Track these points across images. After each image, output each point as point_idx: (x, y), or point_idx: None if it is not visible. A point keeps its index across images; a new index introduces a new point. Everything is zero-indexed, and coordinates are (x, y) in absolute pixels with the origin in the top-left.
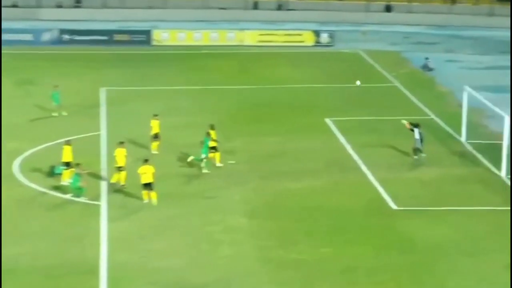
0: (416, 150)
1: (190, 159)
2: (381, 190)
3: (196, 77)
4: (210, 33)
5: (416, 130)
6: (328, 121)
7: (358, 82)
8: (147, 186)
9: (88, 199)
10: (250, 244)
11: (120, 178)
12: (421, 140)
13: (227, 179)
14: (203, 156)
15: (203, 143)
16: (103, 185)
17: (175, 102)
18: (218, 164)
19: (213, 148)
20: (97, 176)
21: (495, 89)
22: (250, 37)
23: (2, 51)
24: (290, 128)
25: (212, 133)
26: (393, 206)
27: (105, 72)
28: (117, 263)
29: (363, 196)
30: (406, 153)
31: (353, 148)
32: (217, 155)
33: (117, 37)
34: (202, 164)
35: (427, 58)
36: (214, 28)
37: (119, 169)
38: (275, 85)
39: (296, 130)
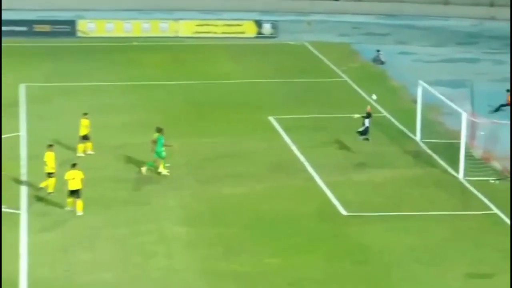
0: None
1: (144, 170)
2: (330, 194)
3: (127, 72)
4: (141, 24)
5: (367, 120)
6: (272, 119)
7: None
8: (74, 193)
9: (6, 208)
10: (188, 255)
11: (49, 184)
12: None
13: (162, 183)
14: (155, 157)
15: (154, 143)
16: (23, 192)
17: (103, 99)
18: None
19: None
20: (17, 182)
21: (452, 84)
22: (185, 28)
23: None
24: (231, 127)
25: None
26: (344, 211)
27: (25, 67)
28: (39, 278)
29: (310, 201)
30: (356, 154)
31: (299, 148)
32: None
33: (38, 27)
34: (161, 168)
35: (378, 51)
36: (146, 18)
37: (50, 175)
38: (214, 80)
39: (237, 130)
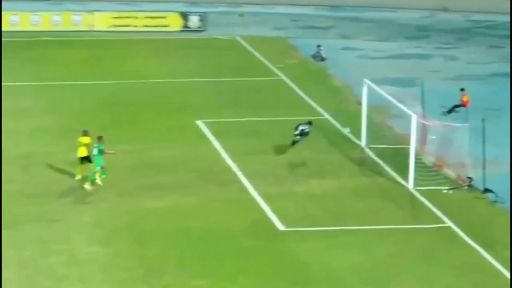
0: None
1: (88, 186)
2: (265, 207)
3: (35, 70)
4: (51, 16)
5: (307, 126)
6: (200, 123)
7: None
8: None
9: None
10: (104, 278)
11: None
12: (301, 135)
13: (75, 197)
14: (97, 168)
15: (89, 151)
16: None
17: (7, 102)
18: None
19: (86, 158)
20: None
21: (401, 82)
22: (101, 21)
23: None
24: (153, 133)
25: (85, 140)
26: (281, 226)
27: None
28: None
29: (243, 215)
30: (295, 162)
31: (231, 156)
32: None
33: None
34: (97, 178)
35: (319, 46)
36: (56, 10)
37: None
38: (135, 79)
39: (161, 136)
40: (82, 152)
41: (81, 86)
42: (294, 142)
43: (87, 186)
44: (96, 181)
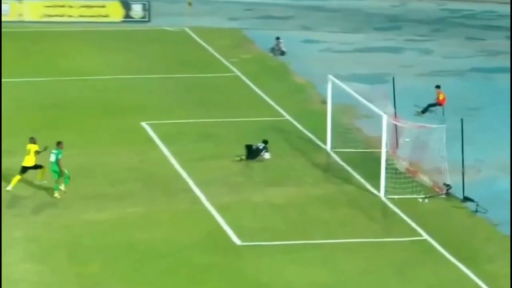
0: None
1: (57, 194)
2: (219, 219)
3: None
4: None
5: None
6: (145, 125)
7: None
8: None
9: None
10: None
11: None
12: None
13: (5, 209)
14: (56, 178)
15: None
16: None
17: None
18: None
19: (30, 168)
20: None
21: (369, 79)
22: (32, 10)
23: None
24: (94, 137)
25: (33, 147)
26: (237, 240)
27: None
28: None
29: (195, 229)
30: (253, 168)
31: (181, 162)
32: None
33: None
34: (62, 187)
35: (278, 38)
36: None
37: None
38: (71, 77)
39: (102, 140)
40: (28, 161)
41: (10, 84)
42: (241, 159)
43: (57, 195)
44: (61, 188)
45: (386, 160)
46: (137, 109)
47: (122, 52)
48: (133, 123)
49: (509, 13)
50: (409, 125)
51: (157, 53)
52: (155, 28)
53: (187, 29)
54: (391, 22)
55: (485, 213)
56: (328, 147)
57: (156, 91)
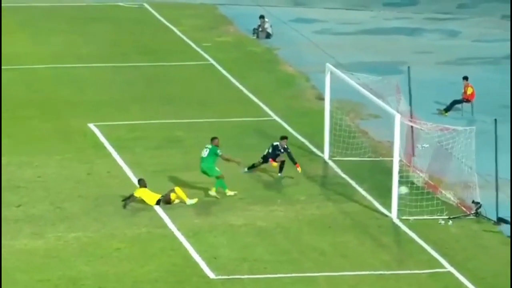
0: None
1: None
2: (189, 246)
3: None
4: None
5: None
6: (93, 127)
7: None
8: None
9: None
10: None
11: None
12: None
13: None
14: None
15: None
16: None
17: None
18: None
19: None
20: None
21: (379, 69)
22: None
23: None
24: (27, 141)
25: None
26: (211, 274)
27: None
28: None
29: (158, 259)
30: (232, 182)
31: (139, 174)
32: None
33: None
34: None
35: (262, 17)
36: None
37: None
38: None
39: (37, 146)
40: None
41: None
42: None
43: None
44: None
45: (400, 172)
46: (83, 107)
47: (63, 34)
48: (78, 124)
49: None
50: (429, 127)
51: (108, 35)
52: (106, 4)
53: (146, 5)
54: None
55: None
56: (325, 155)
57: (107, 84)
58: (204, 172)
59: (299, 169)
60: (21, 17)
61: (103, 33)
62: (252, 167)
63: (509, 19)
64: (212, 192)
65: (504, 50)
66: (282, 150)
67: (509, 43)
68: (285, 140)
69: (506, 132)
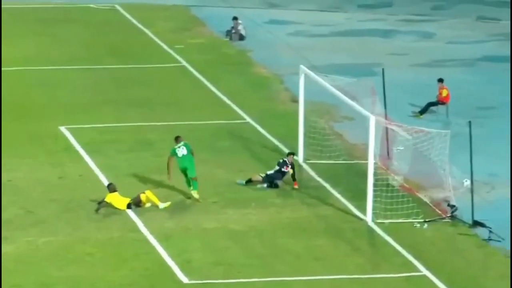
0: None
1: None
2: (161, 250)
3: None
4: None
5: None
6: (64, 130)
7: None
8: None
9: None
10: None
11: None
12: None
13: None
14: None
15: None
16: None
17: None
18: None
19: None
20: None
21: (353, 71)
22: None
23: None
24: None
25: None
26: (184, 278)
27: None
28: None
29: (130, 264)
30: (207, 186)
31: (111, 177)
32: None
33: None
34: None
35: (235, 18)
36: None
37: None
38: None
39: (8, 150)
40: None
41: None
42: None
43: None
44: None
45: (375, 175)
46: (54, 110)
47: (33, 36)
48: (49, 127)
49: None
50: (404, 130)
51: (80, 37)
52: (77, 5)
53: (118, 6)
54: None
55: (500, 241)
56: (300, 158)
57: (78, 87)
58: (185, 169)
59: (296, 186)
60: None
61: (74, 35)
62: (249, 182)
63: (484, 20)
64: (195, 195)
65: (479, 51)
66: (289, 166)
67: (483, 44)
68: (292, 156)
69: (481, 134)
